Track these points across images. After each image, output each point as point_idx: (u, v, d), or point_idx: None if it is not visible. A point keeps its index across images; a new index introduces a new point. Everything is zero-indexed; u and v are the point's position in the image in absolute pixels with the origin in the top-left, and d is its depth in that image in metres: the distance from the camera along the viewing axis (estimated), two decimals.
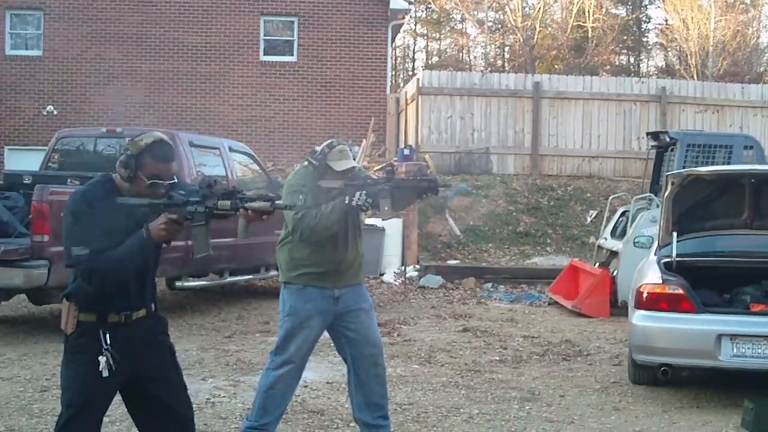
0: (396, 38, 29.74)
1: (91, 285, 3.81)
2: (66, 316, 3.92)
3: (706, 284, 7.38)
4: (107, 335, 3.86)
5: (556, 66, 37.47)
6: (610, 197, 15.15)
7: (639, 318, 7.14)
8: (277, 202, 3.96)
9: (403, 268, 14.68)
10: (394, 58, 39.12)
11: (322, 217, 5.21)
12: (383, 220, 5.59)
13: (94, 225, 3.79)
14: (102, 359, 3.83)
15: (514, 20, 36.43)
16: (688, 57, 33.44)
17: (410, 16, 35.38)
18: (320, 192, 5.31)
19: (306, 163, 5.47)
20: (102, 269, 3.77)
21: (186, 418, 4.14)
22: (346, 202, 5.21)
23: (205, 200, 3.88)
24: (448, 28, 47.46)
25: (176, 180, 3.99)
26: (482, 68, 41.10)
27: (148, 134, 3.95)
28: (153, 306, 4.10)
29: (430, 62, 46.74)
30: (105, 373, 3.83)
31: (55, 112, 22.56)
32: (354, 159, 5.60)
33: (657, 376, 7.36)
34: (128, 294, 3.93)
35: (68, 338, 3.93)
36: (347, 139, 19.70)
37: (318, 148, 5.42)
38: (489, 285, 14.14)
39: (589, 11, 36.36)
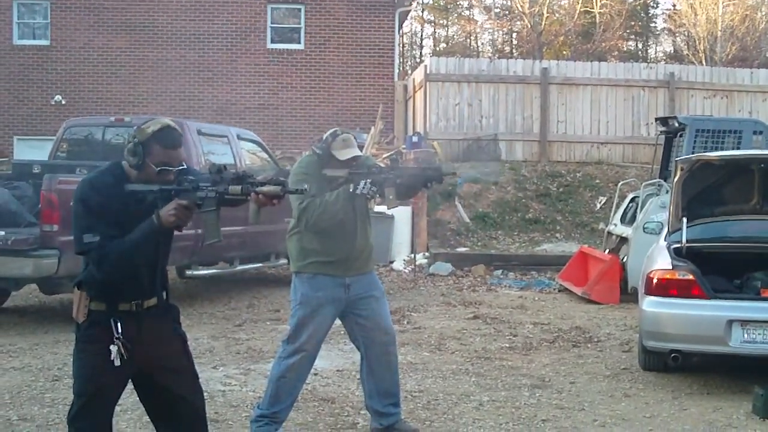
0: (403, 25, 29.66)
1: (102, 272, 3.80)
2: (77, 305, 3.92)
3: (716, 270, 7.35)
4: (119, 324, 3.85)
5: (563, 52, 37.39)
6: (620, 183, 15.10)
7: (649, 304, 7.12)
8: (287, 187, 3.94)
9: (412, 255, 14.67)
10: (401, 45, 39.03)
11: (326, 206, 5.20)
12: (389, 208, 5.57)
13: (104, 212, 3.78)
14: (113, 348, 3.82)
15: (521, 6, 36.30)
16: (696, 42, 33.30)
17: (417, 3, 35.36)
18: (325, 181, 5.30)
19: (310, 152, 5.47)
20: (113, 256, 3.76)
21: (197, 406, 4.13)
22: (351, 190, 5.20)
23: (215, 185, 3.84)
24: (456, 15, 47.40)
25: (185, 166, 3.97)
26: (490, 54, 41.09)
27: (155, 121, 3.91)
28: (165, 294, 4.09)
29: (437, 49, 46.67)
30: (117, 362, 3.82)
31: (63, 102, 22.59)
32: (361, 147, 5.58)
33: (667, 363, 7.35)
34: (139, 282, 3.92)
35: (79, 327, 3.92)
36: (355, 127, 19.75)
37: (323, 137, 5.41)
38: (499, 272, 14.13)
39: None
